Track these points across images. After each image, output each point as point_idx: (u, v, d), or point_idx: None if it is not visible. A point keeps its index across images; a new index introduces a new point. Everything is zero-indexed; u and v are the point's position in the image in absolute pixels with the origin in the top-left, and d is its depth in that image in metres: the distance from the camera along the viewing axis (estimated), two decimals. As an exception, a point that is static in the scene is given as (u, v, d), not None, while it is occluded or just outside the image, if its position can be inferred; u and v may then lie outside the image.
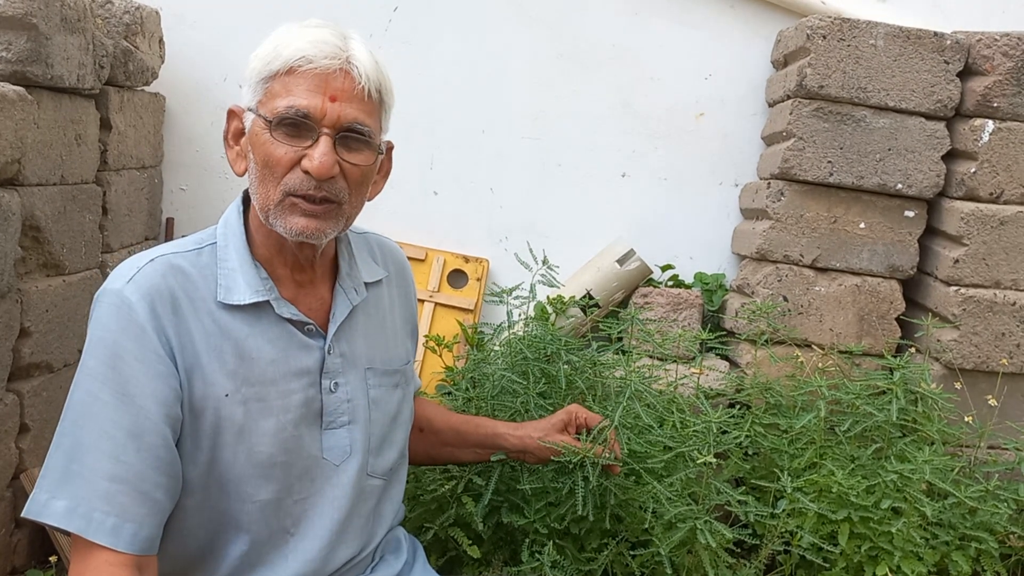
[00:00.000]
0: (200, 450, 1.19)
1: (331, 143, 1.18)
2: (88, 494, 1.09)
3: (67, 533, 1.12)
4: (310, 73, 1.17)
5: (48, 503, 1.10)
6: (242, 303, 1.22)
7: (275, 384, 1.23)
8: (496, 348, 2.21)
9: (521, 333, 2.18)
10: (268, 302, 1.24)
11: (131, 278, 1.16)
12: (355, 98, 1.19)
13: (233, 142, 1.27)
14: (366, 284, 1.38)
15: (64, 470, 1.10)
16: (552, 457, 1.59)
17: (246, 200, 1.31)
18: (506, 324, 2.16)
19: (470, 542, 1.80)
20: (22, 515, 1.12)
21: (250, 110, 1.22)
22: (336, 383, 1.29)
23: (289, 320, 1.26)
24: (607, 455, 1.62)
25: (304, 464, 1.26)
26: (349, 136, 1.20)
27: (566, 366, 2.00)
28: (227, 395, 1.19)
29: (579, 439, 1.62)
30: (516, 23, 2.98)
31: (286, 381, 1.24)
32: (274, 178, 1.19)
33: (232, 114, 1.26)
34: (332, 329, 1.30)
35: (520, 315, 2.22)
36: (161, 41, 2.75)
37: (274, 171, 1.19)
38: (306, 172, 1.18)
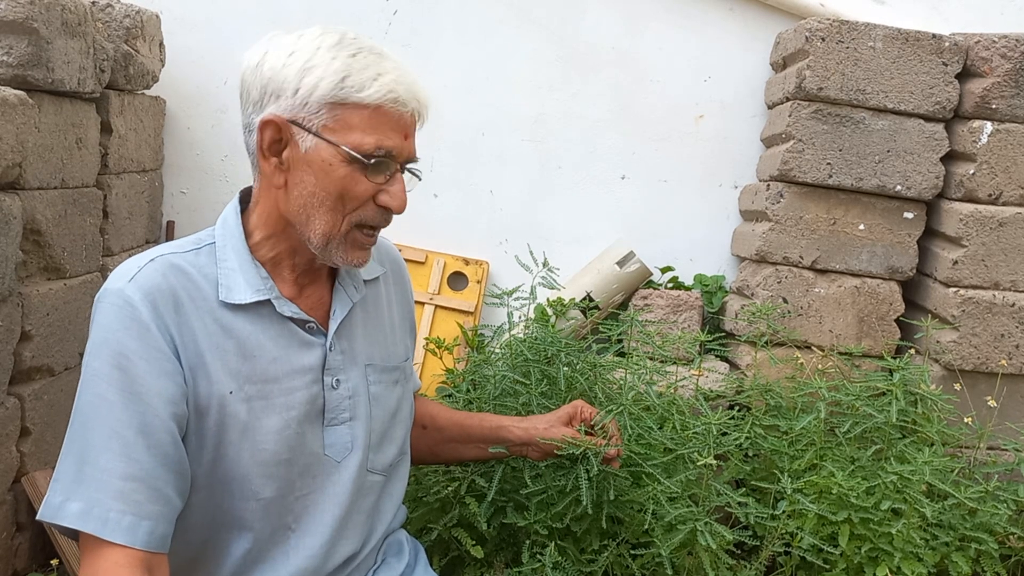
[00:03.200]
0: (204, 448, 1.20)
1: (403, 178, 1.24)
2: (102, 494, 1.09)
3: (75, 538, 1.12)
4: (397, 114, 1.20)
5: (63, 505, 1.09)
6: (244, 302, 1.23)
7: (278, 382, 1.24)
8: (496, 350, 2.21)
9: (521, 335, 2.18)
10: (269, 301, 1.25)
11: (132, 277, 1.17)
12: (415, 133, 1.25)
13: (270, 154, 1.22)
14: (364, 282, 1.39)
15: (76, 472, 1.10)
16: (555, 451, 1.59)
17: (243, 200, 1.31)
18: (506, 326, 2.17)
19: (473, 542, 1.80)
20: (37, 518, 1.12)
21: (310, 131, 1.18)
22: (338, 379, 1.30)
23: (290, 318, 1.27)
24: (609, 446, 1.62)
25: (306, 461, 1.27)
26: (409, 168, 1.26)
27: (566, 368, 2.01)
28: (231, 392, 1.20)
29: (581, 433, 1.62)
30: (515, 26, 2.98)
31: (289, 379, 1.25)
32: (345, 210, 1.22)
33: (272, 125, 1.20)
34: (333, 326, 1.31)
35: (520, 317, 2.23)
36: (161, 45, 2.76)
37: (348, 204, 1.21)
38: (382, 207, 1.23)
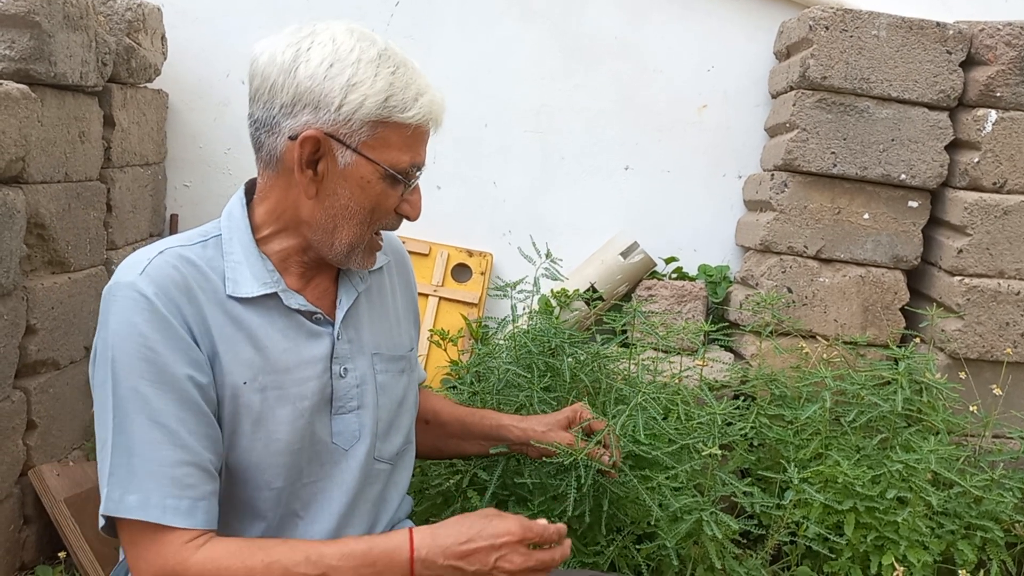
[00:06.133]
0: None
1: (420, 186, 1.28)
2: (157, 484, 1.11)
3: (112, 534, 1.15)
4: (427, 130, 1.24)
5: (122, 499, 1.11)
6: (251, 296, 1.23)
7: (290, 372, 1.25)
8: (500, 342, 2.21)
9: (525, 327, 2.18)
10: (276, 294, 1.25)
11: (143, 270, 1.17)
12: None
13: (306, 167, 1.20)
14: (368, 271, 1.39)
15: (127, 466, 1.12)
16: (545, 457, 1.60)
17: (248, 192, 1.31)
18: (510, 318, 2.17)
19: (476, 535, 1.80)
20: (100, 513, 1.14)
21: (349, 147, 1.18)
22: (346, 368, 1.31)
23: (298, 310, 1.27)
24: (604, 457, 1.61)
25: (315, 449, 1.28)
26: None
27: (570, 359, 2.00)
28: (245, 383, 1.21)
29: (578, 438, 1.60)
30: (518, 17, 2.97)
31: (300, 369, 1.26)
32: (374, 222, 1.26)
33: (312, 140, 1.18)
34: (340, 316, 1.31)
35: (524, 308, 2.23)
36: (163, 38, 2.75)
37: (377, 217, 1.25)
38: (401, 215, 1.27)
